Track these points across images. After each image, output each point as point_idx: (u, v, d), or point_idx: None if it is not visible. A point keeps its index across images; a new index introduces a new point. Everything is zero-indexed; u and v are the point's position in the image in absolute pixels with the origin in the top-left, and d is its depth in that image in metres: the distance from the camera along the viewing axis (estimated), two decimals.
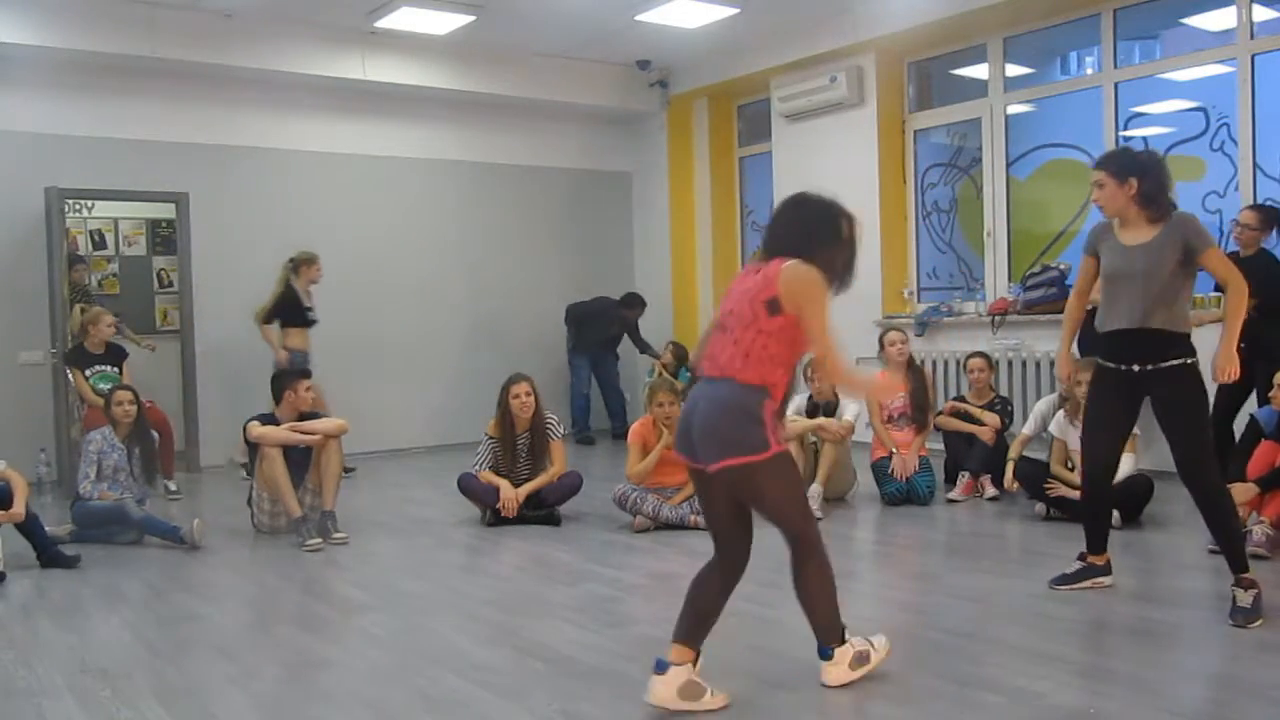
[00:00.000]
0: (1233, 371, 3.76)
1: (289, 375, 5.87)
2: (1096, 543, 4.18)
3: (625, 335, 9.57)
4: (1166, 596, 4.18)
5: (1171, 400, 3.83)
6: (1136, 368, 3.84)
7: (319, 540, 5.39)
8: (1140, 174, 3.81)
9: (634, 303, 9.51)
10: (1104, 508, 4.23)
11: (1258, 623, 3.64)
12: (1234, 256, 5.33)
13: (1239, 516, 4.19)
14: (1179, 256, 3.77)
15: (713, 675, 3.20)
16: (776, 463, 2.97)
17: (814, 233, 3.09)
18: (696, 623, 3.08)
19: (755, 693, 3.15)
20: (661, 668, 3.02)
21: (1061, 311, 6.93)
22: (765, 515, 3.09)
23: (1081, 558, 4.20)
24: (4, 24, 7.16)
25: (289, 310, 7.68)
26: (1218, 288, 4.04)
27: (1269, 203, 6.31)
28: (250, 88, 8.36)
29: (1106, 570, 4.19)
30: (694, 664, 3.05)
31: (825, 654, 3.15)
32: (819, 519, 5.69)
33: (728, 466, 2.96)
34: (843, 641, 3.16)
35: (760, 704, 3.10)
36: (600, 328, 9.47)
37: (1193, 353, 3.81)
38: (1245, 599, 3.70)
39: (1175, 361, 3.77)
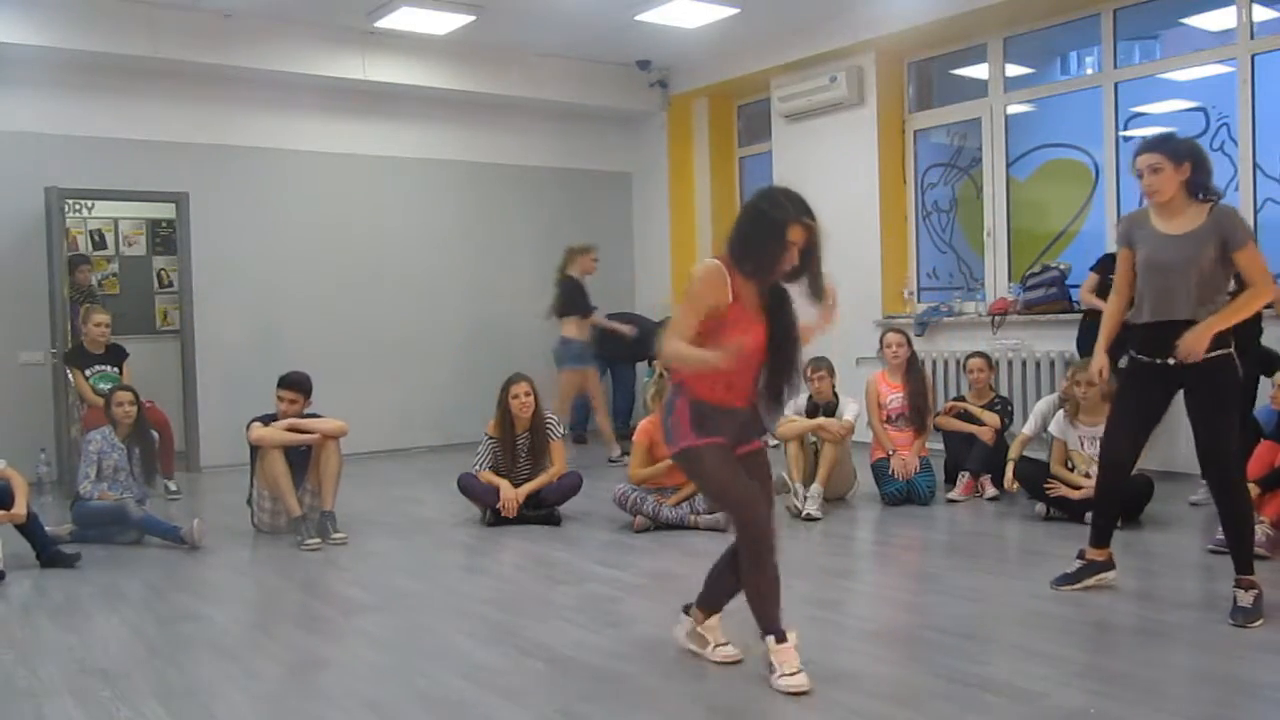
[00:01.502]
0: (1191, 353, 3.66)
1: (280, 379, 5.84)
2: (1101, 537, 4.14)
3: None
4: (1167, 596, 4.18)
5: (1207, 391, 3.77)
6: (1173, 361, 3.75)
7: (318, 540, 5.39)
8: (1192, 159, 3.74)
9: None
10: (1116, 502, 4.20)
11: (1258, 623, 3.63)
12: None
13: (1253, 519, 4.10)
14: (1219, 248, 3.71)
15: (711, 674, 3.21)
16: (688, 457, 3.21)
17: (738, 229, 3.13)
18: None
19: (754, 692, 3.15)
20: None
21: (1061, 311, 7.08)
22: None
23: (1081, 555, 4.18)
24: (4, 24, 7.15)
25: (573, 300, 8.04)
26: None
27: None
28: (250, 88, 8.36)
29: (1109, 565, 4.15)
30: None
31: (684, 608, 3.49)
32: (818, 519, 5.72)
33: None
34: (701, 618, 3.42)
35: (759, 703, 3.10)
36: (637, 344, 9.48)
37: (1229, 343, 3.74)
38: (1246, 599, 3.69)
39: (1214, 353, 3.71)
